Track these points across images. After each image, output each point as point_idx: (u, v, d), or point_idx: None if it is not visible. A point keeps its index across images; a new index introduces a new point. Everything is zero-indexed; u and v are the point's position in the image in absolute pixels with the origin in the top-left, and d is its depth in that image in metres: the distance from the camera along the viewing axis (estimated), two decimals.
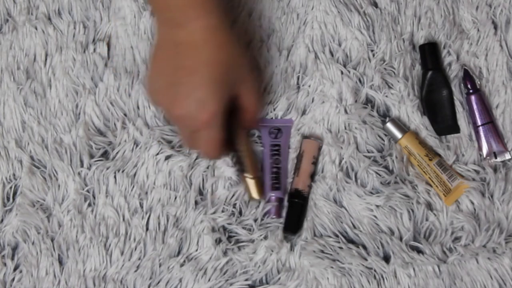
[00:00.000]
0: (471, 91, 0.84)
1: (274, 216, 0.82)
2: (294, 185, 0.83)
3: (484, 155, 0.83)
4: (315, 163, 0.83)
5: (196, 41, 0.69)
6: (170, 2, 0.69)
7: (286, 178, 0.83)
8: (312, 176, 0.83)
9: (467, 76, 0.84)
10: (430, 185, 0.82)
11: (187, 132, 0.75)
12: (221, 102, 0.71)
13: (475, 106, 0.83)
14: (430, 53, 0.85)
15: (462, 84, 0.84)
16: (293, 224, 0.82)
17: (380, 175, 0.82)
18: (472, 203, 0.82)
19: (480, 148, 0.83)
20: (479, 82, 0.84)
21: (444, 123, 0.84)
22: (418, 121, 0.84)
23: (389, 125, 0.83)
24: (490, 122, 0.83)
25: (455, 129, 0.84)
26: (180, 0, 0.68)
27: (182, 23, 0.69)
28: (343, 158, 0.83)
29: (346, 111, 0.84)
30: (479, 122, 0.83)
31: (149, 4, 0.72)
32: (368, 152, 0.83)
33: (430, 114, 0.84)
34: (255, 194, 0.81)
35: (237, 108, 0.77)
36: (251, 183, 0.81)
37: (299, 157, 0.83)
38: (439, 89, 0.84)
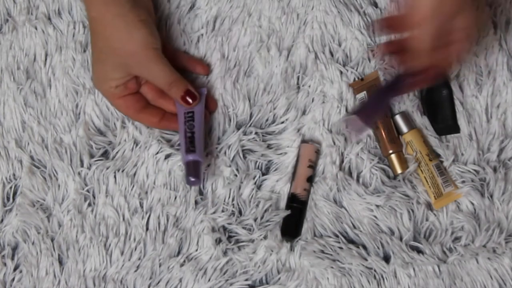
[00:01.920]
0: None
1: (193, 179, 0.77)
2: (292, 190, 0.83)
3: None
4: (312, 166, 0.83)
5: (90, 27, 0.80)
6: None
7: (201, 142, 0.80)
8: (310, 180, 0.83)
9: None
10: (423, 184, 0.82)
11: None
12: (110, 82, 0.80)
13: None
14: None
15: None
16: (291, 229, 0.82)
17: (385, 171, 0.82)
18: (472, 203, 0.82)
19: None
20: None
21: (444, 123, 0.84)
22: (418, 121, 0.84)
23: (397, 118, 0.84)
24: None
25: (455, 129, 0.84)
26: None
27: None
28: (345, 158, 0.83)
29: (347, 110, 0.84)
30: None
31: None
32: (370, 153, 0.83)
33: (430, 114, 0.84)
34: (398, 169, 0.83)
35: None
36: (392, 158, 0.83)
37: (296, 162, 0.83)
38: (439, 89, 0.84)
